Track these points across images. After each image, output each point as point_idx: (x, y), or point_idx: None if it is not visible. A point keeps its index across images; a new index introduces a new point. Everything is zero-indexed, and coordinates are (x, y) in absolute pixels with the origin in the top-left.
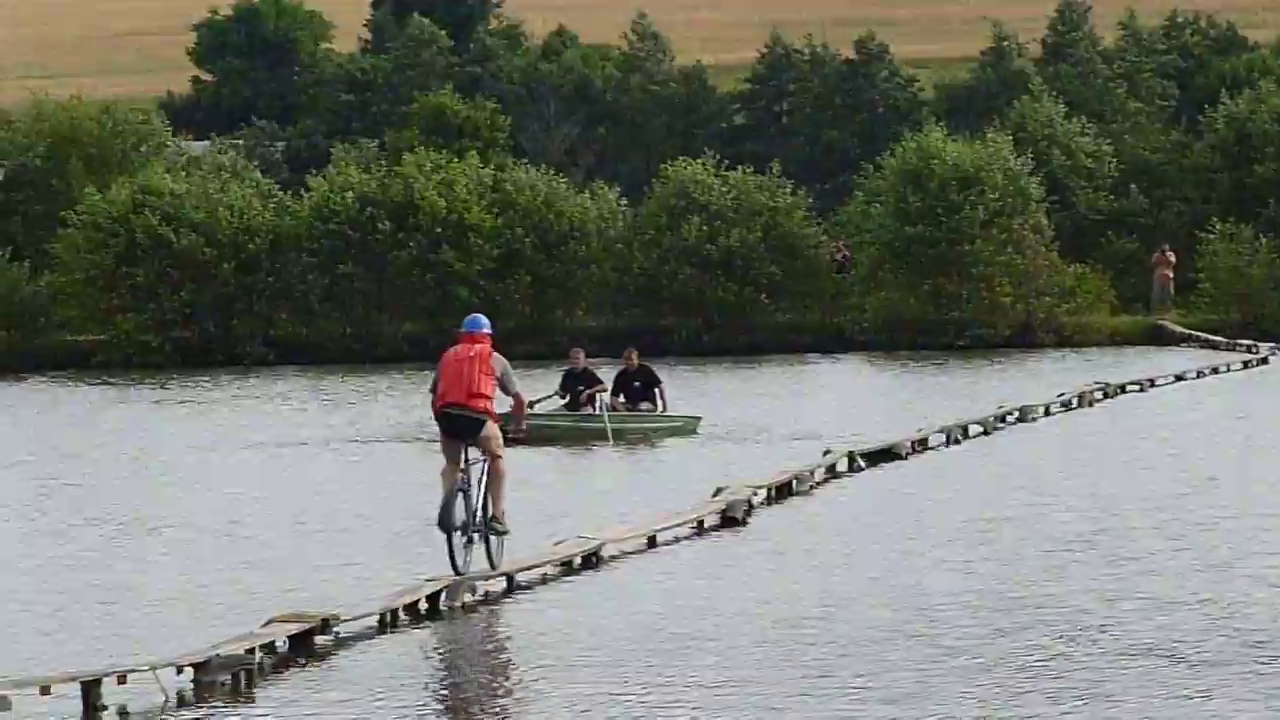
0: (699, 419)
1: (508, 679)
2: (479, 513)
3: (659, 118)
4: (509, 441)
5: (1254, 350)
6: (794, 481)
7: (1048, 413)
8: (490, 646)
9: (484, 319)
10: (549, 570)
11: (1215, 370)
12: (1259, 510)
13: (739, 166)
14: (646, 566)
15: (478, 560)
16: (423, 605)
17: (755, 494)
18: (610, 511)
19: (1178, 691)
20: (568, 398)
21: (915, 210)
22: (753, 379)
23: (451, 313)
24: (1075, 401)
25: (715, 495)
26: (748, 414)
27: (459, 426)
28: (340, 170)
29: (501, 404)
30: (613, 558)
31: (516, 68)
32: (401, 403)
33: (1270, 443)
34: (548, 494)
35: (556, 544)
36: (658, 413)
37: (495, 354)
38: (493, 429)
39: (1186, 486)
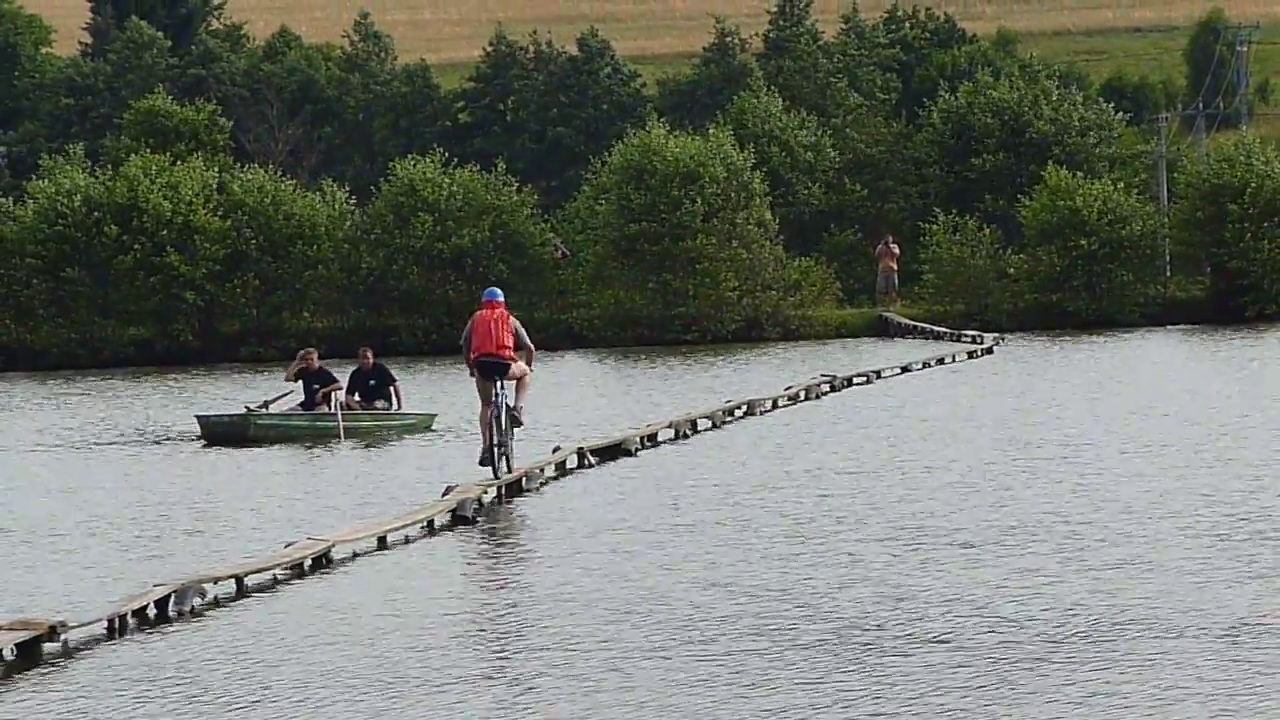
0: (434, 416)
1: (229, 687)
2: (506, 430)
3: (383, 117)
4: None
5: (979, 341)
6: (524, 479)
7: (775, 406)
8: (217, 652)
9: (499, 290)
10: (279, 573)
11: (941, 361)
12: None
13: (465, 165)
14: (376, 568)
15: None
16: (151, 610)
17: (485, 492)
18: (343, 511)
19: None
20: (303, 397)
21: (639, 206)
22: None
23: (177, 316)
24: (803, 395)
25: (445, 494)
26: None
27: (491, 370)
28: (64, 174)
29: None
30: (343, 559)
31: (239, 69)
32: (134, 405)
33: (979, 430)
34: (281, 494)
35: (287, 546)
36: (393, 410)
37: (510, 315)
38: (516, 367)
39: (892, 476)
